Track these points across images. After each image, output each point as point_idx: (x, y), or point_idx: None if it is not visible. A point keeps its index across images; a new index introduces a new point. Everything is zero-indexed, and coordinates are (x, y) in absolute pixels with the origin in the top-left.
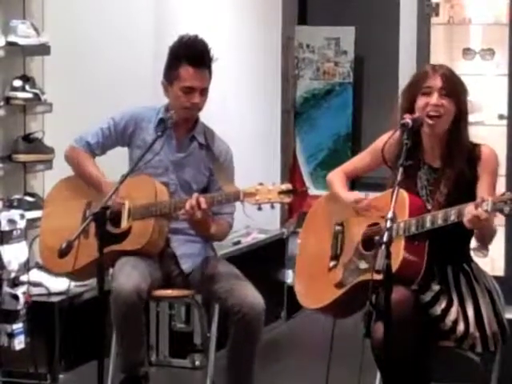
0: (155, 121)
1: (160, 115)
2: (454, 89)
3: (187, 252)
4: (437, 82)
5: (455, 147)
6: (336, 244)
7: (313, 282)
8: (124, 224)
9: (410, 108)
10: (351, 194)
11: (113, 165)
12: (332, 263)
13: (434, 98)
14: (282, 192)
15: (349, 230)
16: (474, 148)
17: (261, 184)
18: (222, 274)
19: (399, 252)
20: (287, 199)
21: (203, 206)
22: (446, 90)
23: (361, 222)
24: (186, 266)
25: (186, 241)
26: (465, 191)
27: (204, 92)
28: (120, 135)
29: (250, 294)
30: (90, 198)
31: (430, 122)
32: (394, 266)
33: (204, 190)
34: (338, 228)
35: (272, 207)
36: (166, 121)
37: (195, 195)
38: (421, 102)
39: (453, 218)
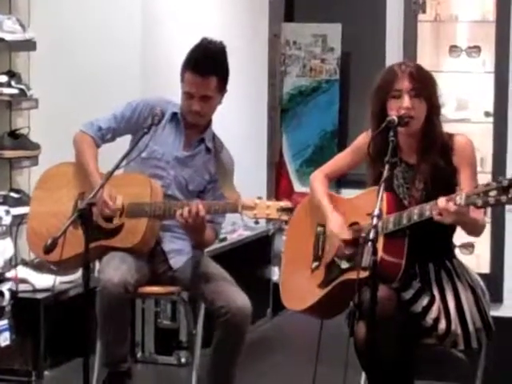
0: (169, 114)
1: (174, 109)
2: (424, 87)
3: (175, 248)
4: (405, 83)
5: (429, 141)
6: (318, 245)
7: (297, 283)
8: (116, 220)
9: (380, 111)
10: (336, 221)
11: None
12: (314, 264)
13: (406, 102)
14: (280, 209)
15: None
16: (449, 138)
17: (259, 198)
18: (210, 274)
19: (378, 251)
20: (285, 217)
21: (201, 213)
22: (416, 91)
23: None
24: (174, 261)
25: (174, 237)
26: (441, 185)
27: (206, 99)
28: (133, 122)
29: (239, 297)
30: (84, 189)
31: (403, 128)
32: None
33: (200, 193)
34: (319, 229)
35: (268, 222)
36: (153, 117)
37: (196, 202)
38: (392, 105)
39: (428, 213)
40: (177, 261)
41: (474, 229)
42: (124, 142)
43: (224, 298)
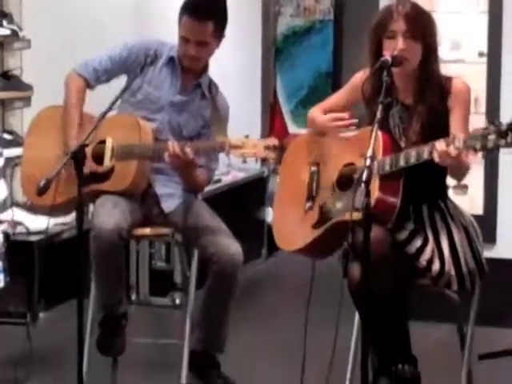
0: (166, 57)
1: (171, 53)
2: (419, 29)
3: (168, 192)
4: (400, 25)
5: (426, 82)
6: (312, 185)
7: (290, 223)
8: (107, 163)
9: (376, 50)
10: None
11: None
12: (308, 204)
13: (400, 43)
14: (268, 147)
15: (324, 171)
16: (446, 81)
17: (246, 136)
18: (202, 220)
19: (374, 191)
20: (272, 155)
21: (190, 155)
22: (411, 33)
23: (336, 162)
24: (167, 205)
25: (167, 181)
26: (438, 127)
27: (202, 45)
28: (129, 64)
29: (230, 245)
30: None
31: (397, 69)
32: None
33: (194, 139)
34: (313, 169)
35: (256, 161)
36: (145, 58)
37: (181, 143)
38: (387, 46)
39: (426, 155)
40: (169, 205)
41: (463, 172)
42: (119, 85)
43: (216, 245)
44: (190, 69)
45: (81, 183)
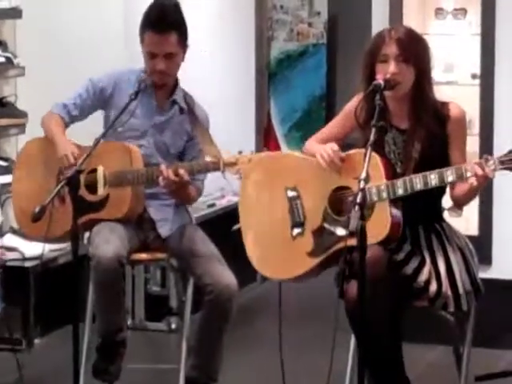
0: (135, 83)
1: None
2: (411, 52)
3: (164, 217)
4: (392, 48)
5: (421, 105)
6: (296, 210)
7: (274, 251)
8: (101, 191)
9: (370, 75)
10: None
11: (89, 129)
12: (296, 231)
13: (392, 67)
14: None
15: (307, 196)
16: (442, 106)
17: (240, 152)
18: (198, 248)
19: (387, 219)
20: None
21: (185, 178)
22: (403, 56)
23: (323, 186)
24: (163, 230)
25: (162, 205)
26: (436, 150)
27: (170, 57)
28: (98, 97)
29: (225, 275)
30: (62, 163)
31: (390, 92)
32: (383, 234)
33: (180, 154)
34: (291, 194)
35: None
36: (139, 83)
37: (174, 166)
38: (380, 69)
39: (451, 178)
40: (166, 230)
41: (473, 199)
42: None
43: (211, 276)
44: (162, 86)
45: (75, 208)
